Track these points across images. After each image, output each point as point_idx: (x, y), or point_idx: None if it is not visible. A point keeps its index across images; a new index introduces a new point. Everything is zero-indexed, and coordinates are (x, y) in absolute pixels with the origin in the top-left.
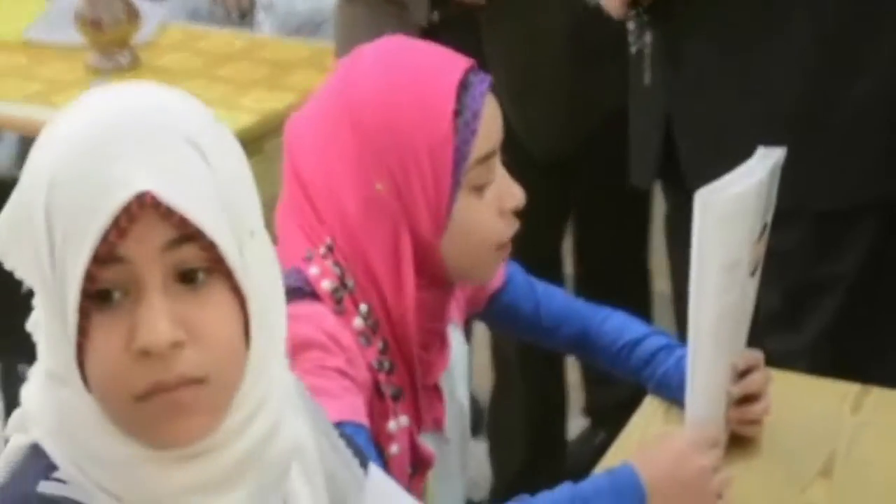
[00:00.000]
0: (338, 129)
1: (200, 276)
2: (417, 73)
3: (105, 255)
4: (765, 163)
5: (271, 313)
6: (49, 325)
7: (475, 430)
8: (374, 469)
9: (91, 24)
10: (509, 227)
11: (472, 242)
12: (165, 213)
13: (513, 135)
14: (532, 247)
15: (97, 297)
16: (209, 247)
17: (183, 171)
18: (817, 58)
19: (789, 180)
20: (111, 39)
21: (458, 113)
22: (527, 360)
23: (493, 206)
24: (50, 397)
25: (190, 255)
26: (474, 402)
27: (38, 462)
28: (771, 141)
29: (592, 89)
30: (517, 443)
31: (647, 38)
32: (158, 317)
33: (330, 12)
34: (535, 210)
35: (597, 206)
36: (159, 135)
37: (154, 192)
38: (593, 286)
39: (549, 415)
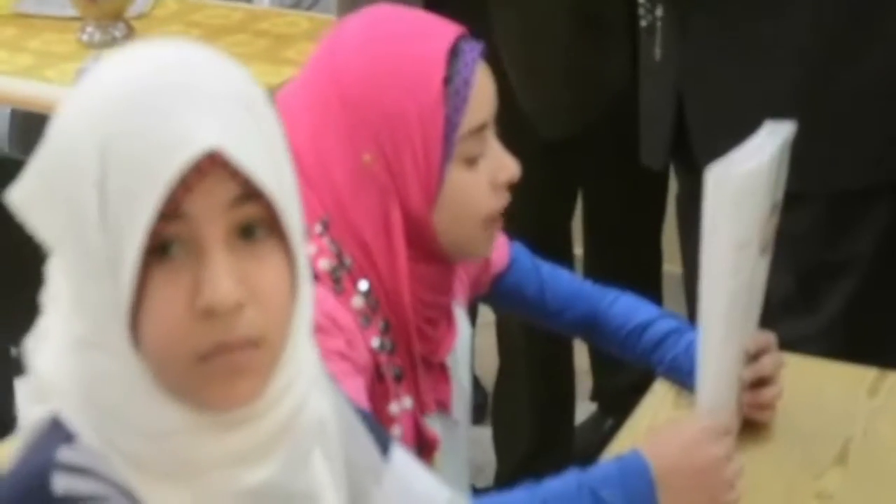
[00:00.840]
0: (325, 101)
1: (259, 233)
2: (405, 40)
3: (169, 211)
4: (774, 138)
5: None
6: (85, 288)
7: (480, 415)
8: (398, 453)
9: None
10: (501, 201)
11: (463, 215)
12: (232, 171)
13: (520, 113)
14: (540, 225)
15: (156, 253)
16: (266, 207)
17: (244, 131)
18: (828, 33)
19: (803, 161)
20: (104, 11)
21: (447, 80)
22: (533, 344)
23: (486, 178)
24: (78, 366)
25: (251, 213)
26: (479, 386)
27: (56, 433)
28: (783, 118)
29: (600, 68)
30: (522, 429)
31: (658, 11)
32: (223, 275)
33: None
34: (543, 188)
35: (607, 185)
36: (222, 93)
37: (223, 149)
38: (602, 266)
39: (556, 400)
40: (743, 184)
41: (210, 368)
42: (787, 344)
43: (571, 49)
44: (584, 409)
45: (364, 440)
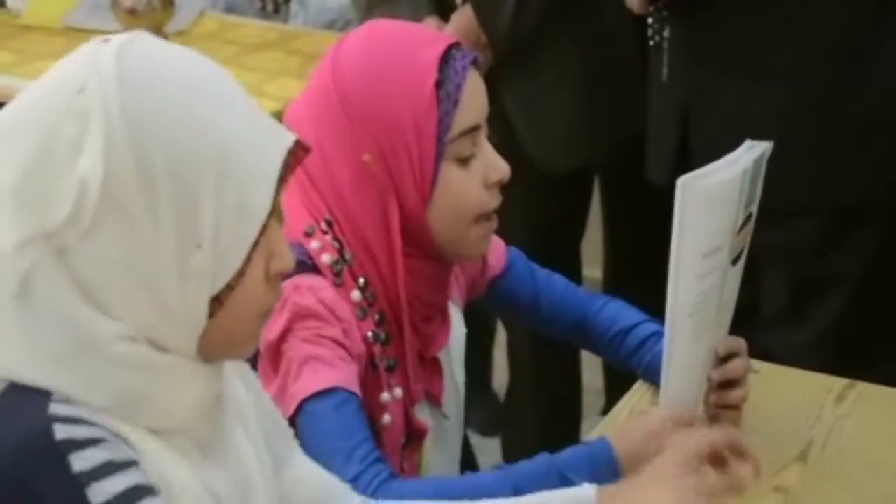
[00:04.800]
0: (329, 106)
1: None
2: (400, 49)
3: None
4: (750, 154)
5: None
6: (176, 291)
7: (494, 426)
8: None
9: (127, 11)
10: (493, 199)
11: (456, 212)
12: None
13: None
14: (549, 249)
15: None
16: None
17: None
18: (832, 55)
19: (803, 177)
20: (145, 26)
21: (439, 84)
22: (540, 359)
23: (478, 177)
24: (111, 352)
25: None
26: (494, 399)
27: (27, 396)
28: (785, 136)
29: (608, 117)
30: (530, 440)
31: (666, 32)
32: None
33: None
34: (551, 214)
35: (620, 205)
36: None
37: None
38: (621, 283)
39: (562, 413)
40: (711, 194)
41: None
42: (778, 354)
43: (578, 97)
44: (597, 424)
45: (279, 422)
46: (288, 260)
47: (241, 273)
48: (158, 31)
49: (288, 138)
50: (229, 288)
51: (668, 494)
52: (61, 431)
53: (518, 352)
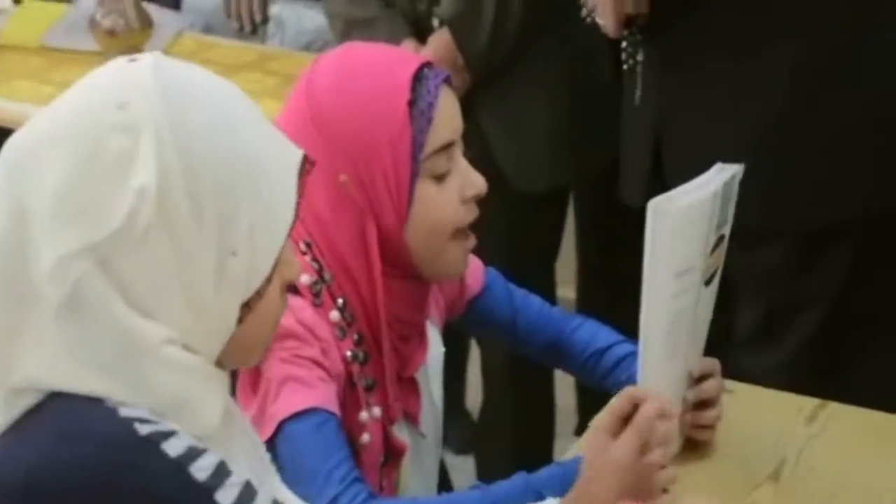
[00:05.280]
0: (304, 128)
1: None
2: (372, 68)
3: None
4: (721, 176)
5: None
6: (214, 296)
7: (464, 447)
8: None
9: (105, 31)
10: (469, 214)
11: (432, 229)
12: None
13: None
14: (522, 268)
15: None
16: None
17: None
18: (801, 78)
19: (776, 199)
20: (124, 46)
21: (412, 103)
22: (515, 379)
23: (454, 193)
24: (163, 354)
25: None
26: (468, 418)
27: (93, 405)
28: (756, 159)
29: (584, 135)
30: (504, 459)
31: (640, 55)
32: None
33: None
34: (525, 234)
35: (591, 225)
36: None
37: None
38: (594, 301)
39: (536, 432)
40: (682, 216)
41: None
42: (752, 375)
43: (557, 117)
44: (569, 445)
45: (259, 444)
46: (296, 269)
47: (268, 280)
48: (137, 51)
49: (297, 152)
50: (258, 294)
51: (612, 483)
52: (144, 429)
53: (493, 371)
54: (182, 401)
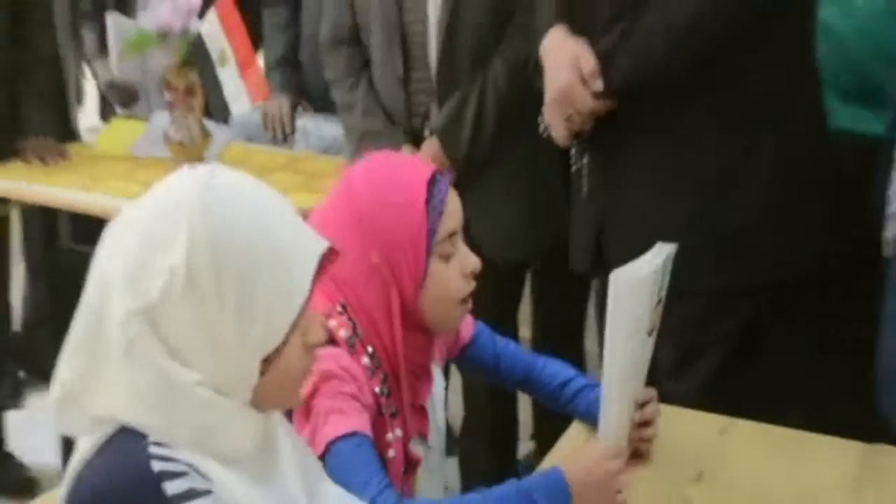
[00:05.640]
0: (344, 220)
1: None
2: (396, 174)
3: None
4: (660, 254)
5: None
6: (221, 365)
7: (449, 450)
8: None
9: (176, 143)
10: (469, 285)
11: (442, 297)
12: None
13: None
14: (495, 315)
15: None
16: None
17: None
18: (710, 179)
19: (694, 267)
20: (190, 154)
21: (428, 201)
22: (492, 400)
23: (457, 270)
24: (198, 394)
25: None
26: (450, 430)
27: (130, 437)
28: (678, 242)
29: (541, 220)
30: (481, 460)
31: (585, 159)
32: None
33: None
34: (498, 292)
35: (545, 287)
36: None
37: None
38: (544, 345)
39: (506, 441)
40: (635, 286)
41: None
42: (671, 399)
43: (519, 214)
44: (526, 447)
45: (310, 459)
46: (320, 334)
47: (284, 343)
48: (200, 157)
49: (322, 245)
50: (276, 352)
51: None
52: (157, 466)
53: (474, 394)
54: (211, 431)
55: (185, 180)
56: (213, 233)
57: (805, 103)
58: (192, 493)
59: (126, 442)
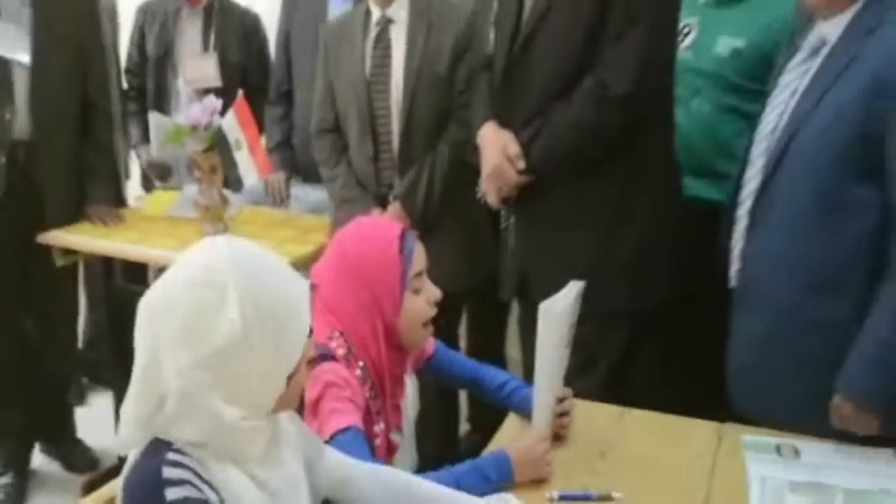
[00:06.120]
0: (339, 269)
1: None
2: (376, 232)
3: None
4: (574, 290)
5: None
6: (258, 386)
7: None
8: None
9: (203, 207)
10: (433, 311)
11: (413, 320)
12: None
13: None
14: (444, 335)
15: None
16: None
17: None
18: (602, 231)
19: (588, 296)
20: (213, 216)
21: (401, 250)
22: (441, 396)
23: (424, 299)
24: (235, 427)
25: None
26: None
27: (158, 446)
28: (578, 278)
29: (476, 261)
30: (432, 440)
31: (511, 218)
32: None
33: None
34: (445, 323)
35: (480, 310)
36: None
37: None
38: (480, 354)
39: (451, 424)
40: (558, 314)
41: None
42: (580, 395)
43: (459, 257)
44: (463, 428)
45: (312, 438)
46: (313, 350)
47: (300, 363)
48: (221, 218)
49: (307, 283)
50: (296, 370)
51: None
52: (166, 472)
53: (428, 392)
54: (241, 446)
55: (210, 252)
56: (253, 289)
57: (668, 176)
58: (187, 502)
59: (155, 446)
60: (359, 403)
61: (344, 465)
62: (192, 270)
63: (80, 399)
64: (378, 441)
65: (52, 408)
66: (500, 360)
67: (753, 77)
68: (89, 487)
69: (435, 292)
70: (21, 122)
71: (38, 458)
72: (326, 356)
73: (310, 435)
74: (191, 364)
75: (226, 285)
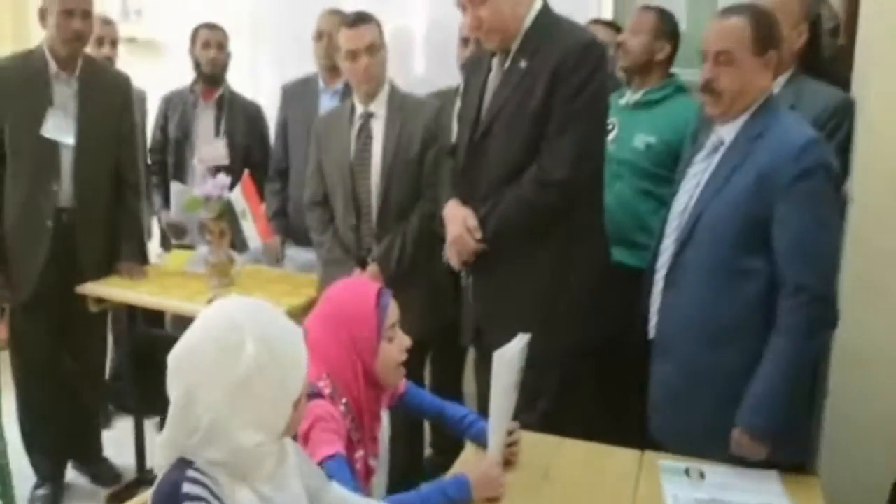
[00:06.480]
0: (325, 322)
1: None
2: (357, 290)
3: None
4: (522, 340)
5: None
6: (272, 411)
7: None
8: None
9: (212, 265)
10: (404, 356)
11: (388, 365)
12: None
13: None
14: (412, 375)
15: None
16: None
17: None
18: (542, 293)
19: (528, 347)
20: (221, 272)
21: (377, 305)
22: (409, 425)
23: (397, 346)
24: (251, 452)
25: None
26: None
27: (183, 465)
28: (523, 331)
29: (440, 312)
30: (401, 462)
31: (470, 279)
32: None
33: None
34: (412, 364)
35: (442, 354)
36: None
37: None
38: (442, 391)
39: (417, 449)
40: (509, 361)
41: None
42: (525, 427)
43: (423, 309)
44: (427, 452)
45: (315, 469)
46: (308, 386)
47: (301, 392)
48: (227, 274)
49: (301, 330)
50: (299, 399)
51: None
52: (186, 487)
53: (398, 423)
54: (256, 467)
55: (227, 307)
56: (264, 332)
57: (597, 245)
58: None
59: (179, 464)
60: (342, 434)
61: (346, 502)
62: (214, 322)
63: (107, 423)
64: (358, 465)
65: (83, 430)
66: (458, 395)
67: (664, 166)
68: (113, 498)
69: (406, 340)
70: (66, 192)
71: (71, 473)
72: (315, 394)
73: (314, 468)
74: (220, 396)
75: (243, 329)
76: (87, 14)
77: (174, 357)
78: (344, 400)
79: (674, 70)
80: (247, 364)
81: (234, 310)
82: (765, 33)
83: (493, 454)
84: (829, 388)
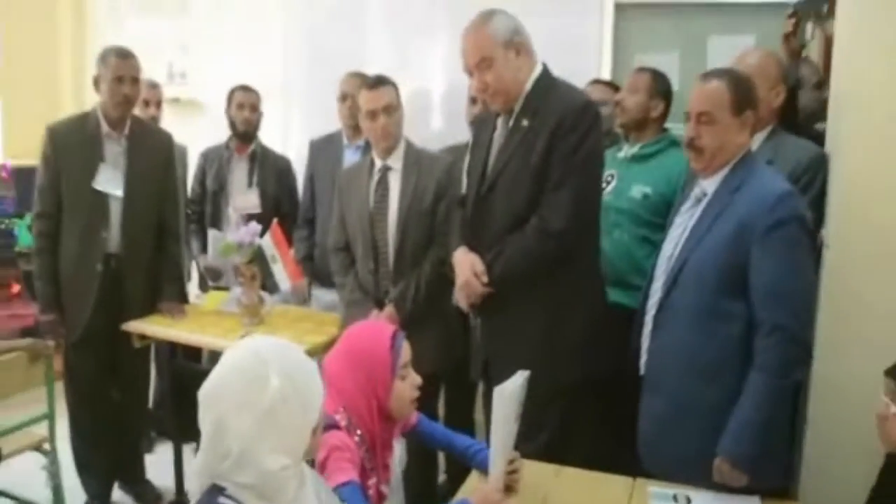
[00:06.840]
0: (342, 358)
1: None
2: (373, 331)
3: None
4: (522, 377)
5: None
6: (295, 437)
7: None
8: None
9: (244, 305)
10: (416, 392)
11: (401, 400)
12: None
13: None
14: (424, 409)
15: None
16: None
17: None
18: (545, 332)
19: (529, 382)
20: (252, 311)
21: (392, 346)
22: (425, 454)
23: (409, 384)
24: (277, 475)
25: None
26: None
27: (216, 490)
28: (526, 368)
29: (452, 348)
30: (417, 487)
31: (478, 320)
32: None
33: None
34: (427, 396)
35: (455, 386)
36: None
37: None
38: (454, 420)
39: (431, 475)
40: (509, 396)
41: None
42: (525, 456)
43: (436, 345)
44: (441, 478)
45: (331, 494)
46: (419, 380)
47: (319, 420)
48: (258, 314)
49: (316, 364)
50: (317, 426)
51: None
52: None
53: (414, 451)
54: (278, 490)
55: (252, 344)
56: (286, 365)
57: (595, 287)
58: None
59: (211, 490)
60: (356, 463)
61: None
62: (240, 357)
63: (149, 448)
64: (371, 492)
65: (128, 454)
66: (470, 424)
67: (659, 214)
68: None
69: (417, 379)
70: (114, 239)
71: (117, 493)
72: (332, 425)
73: (331, 493)
74: (249, 424)
75: (267, 362)
76: (135, 80)
77: (204, 392)
78: (359, 431)
79: (667, 125)
80: (272, 394)
81: (259, 346)
82: (742, 95)
83: (494, 480)
84: (809, 415)
